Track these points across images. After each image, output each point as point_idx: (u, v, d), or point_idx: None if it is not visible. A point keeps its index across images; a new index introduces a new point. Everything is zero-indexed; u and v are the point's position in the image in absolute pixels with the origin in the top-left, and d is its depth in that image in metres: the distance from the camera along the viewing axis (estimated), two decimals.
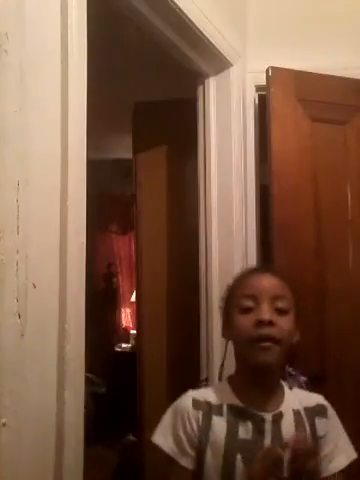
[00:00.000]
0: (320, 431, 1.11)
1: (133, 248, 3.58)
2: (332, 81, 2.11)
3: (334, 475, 1.11)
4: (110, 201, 5.20)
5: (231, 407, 1.10)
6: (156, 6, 1.57)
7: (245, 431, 1.07)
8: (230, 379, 1.17)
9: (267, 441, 1.06)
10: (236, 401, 1.10)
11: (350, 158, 2.14)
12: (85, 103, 1.19)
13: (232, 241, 2.04)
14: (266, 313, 1.05)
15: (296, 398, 1.15)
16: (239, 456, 1.05)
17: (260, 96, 2.18)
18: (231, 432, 1.07)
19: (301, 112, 2.06)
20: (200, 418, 1.09)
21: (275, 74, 2.03)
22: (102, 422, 3.80)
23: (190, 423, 1.09)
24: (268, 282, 1.11)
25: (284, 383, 1.18)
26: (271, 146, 2.01)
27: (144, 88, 2.71)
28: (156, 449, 1.09)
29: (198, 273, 2.13)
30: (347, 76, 2.11)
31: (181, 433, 1.08)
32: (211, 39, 1.83)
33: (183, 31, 1.73)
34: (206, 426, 1.08)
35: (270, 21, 2.22)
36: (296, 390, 1.19)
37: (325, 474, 1.09)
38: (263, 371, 1.10)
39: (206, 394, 1.13)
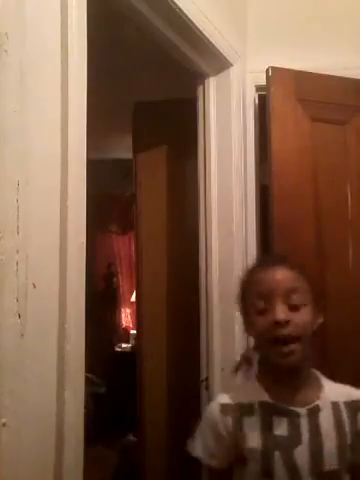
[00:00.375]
0: None
1: (133, 248, 3.58)
2: (332, 81, 2.11)
3: None
4: (110, 201, 5.20)
5: (262, 404, 1.08)
6: (156, 6, 1.57)
7: (280, 428, 1.06)
8: (259, 377, 1.15)
9: (305, 437, 1.05)
10: (267, 398, 1.09)
11: (350, 158, 2.14)
12: (85, 103, 1.19)
13: (232, 241, 2.04)
14: (281, 314, 1.04)
15: (336, 391, 1.13)
16: (277, 453, 1.04)
17: (260, 96, 2.18)
18: (266, 430, 1.06)
19: (301, 112, 2.06)
20: (230, 423, 1.08)
21: (275, 74, 2.03)
22: (102, 422, 3.80)
23: (219, 430, 1.09)
24: (279, 278, 1.08)
25: (322, 376, 1.16)
26: (271, 146, 2.01)
27: (144, 88, 2.71)
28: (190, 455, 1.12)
29: (198, 273, 2.13)
30: (347, 76, 2.11)
31: (211, 441, 1.10)
32: (211, 39, 1.82)
33: (183, 31, 1.73)
34: (237, 429, 1.08)
35: (270, 21, 2.22)
36: (336, 384, 1.16)
37: None
38: (289, 370, 1.09)
39: (236, 395, 1.12)
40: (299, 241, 2.02)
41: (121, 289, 5.42)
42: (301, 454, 1.04)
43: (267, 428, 1.06)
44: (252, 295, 1.10)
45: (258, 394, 1.10)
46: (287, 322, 1.04)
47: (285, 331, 1.04)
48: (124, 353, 4.88)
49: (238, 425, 1.08)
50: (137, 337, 2.77)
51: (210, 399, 2.04)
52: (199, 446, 1.12)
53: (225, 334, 2.02)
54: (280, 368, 1.09)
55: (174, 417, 2.51)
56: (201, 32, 1.76)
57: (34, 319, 1.01)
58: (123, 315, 5.42)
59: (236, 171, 2.07)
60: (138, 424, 2.65)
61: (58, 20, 1.13)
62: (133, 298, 4.59)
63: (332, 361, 2.01)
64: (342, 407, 1.09)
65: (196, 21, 1.71)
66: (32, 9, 1.03)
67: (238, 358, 1.28)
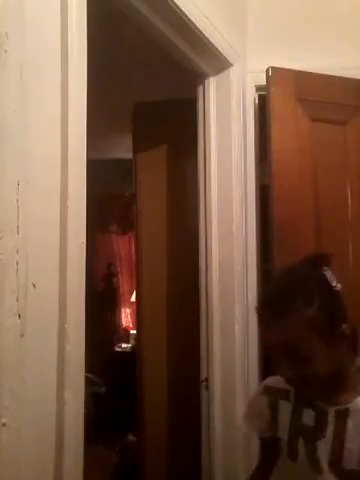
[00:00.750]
0: None
1: (133, 248, 3.58)
2: (332, 81, 2.11)
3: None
4: (110, 201, 5.20)
5: (297, 394, 1.16)
6: (156, 6, 1.57)
7: (308, 417, 1.13)
8: None
9: (329, 433, 1.09)
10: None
11: (350, 158, 2.14)
12: (85, 103, 1.19)
13: (232, 241, 2.04)
14: (287, 371, 1.06)
15: None
16: (301, 439, 1.13)
17: (260, 96, 2.18)
18: (295, 415, 1.15)
19: (301, 112, 2.06)
20: (270, 402, 1.21)
21: (275, 74, 2.03)
22: (102, 422, 3.80)
23: (262, 406, 1.22)
24: (276, 336, 1.03)
25: None
26: (271, 146, 2.01)
27: (144, 88, 2.71)
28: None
29: (198, 273, 2.13)
30: (347, 76, 2.11)
31: (256, 416, 1.26)
32: (211, 39, 1.82)
33: (183, 31, 1.73)
34: (275, 408, 1.20)
35: (270, 21, 2.22)
36: None
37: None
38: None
39: (280, 381, 1.15)
40: (299, 241, 2.01)
41: (121, 289, 5.42)
42: (323, 447, 1.09)
43: (297, 415, 1.15)
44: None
45: None
46: (297, 373, 1.05)
47: (296, 386, 1.13)
48: (124, 353, 4.88)
49: (276, 404, 1.20)
50: (137, 337, 2.77)
51: (210, 399, 2.05)
52: (248, 421, 1.32)
53: (225, 334, 2.02)
54: None
55: (174, 417, 2.51)
56: (201, 32, 1.76)
57: (34, 319, 1.01)
58: (123, 315, 5.42)
59: (236, 171, 2.07)
60: (138, 424, 2.65)
61: (58, 20, 1.13)
62: (133, 298, 4.59)
63: None
64: None
65: (196, 21, 1.70)
66: (32, 9, 1.03)
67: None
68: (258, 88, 2.17)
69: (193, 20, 1.69)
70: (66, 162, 1.12)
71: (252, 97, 2.19)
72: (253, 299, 2.13)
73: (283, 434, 1.16)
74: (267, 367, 1.42)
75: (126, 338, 5.19)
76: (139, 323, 2.69)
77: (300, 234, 2.02)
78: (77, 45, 1.15)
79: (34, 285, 1.01)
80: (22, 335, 0.98)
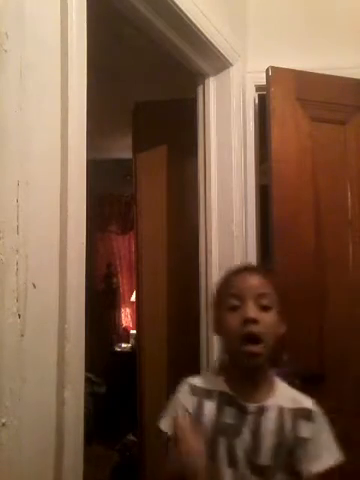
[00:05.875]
0: (303, 433, 1.15)
1: (133, 248, 3.58)
2: (332, 81, 2.11)
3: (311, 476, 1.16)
4: (110, 201, 5.21)
5: (221, 394, 1.19)
6: (156, 6, 1.57)
7: (229, 416, 1.17)
8: (223, 370, 1.25)
9: (245, 430, 1.15)
10: (226, 389, 1.19)
11: (350, 158, 2.14)
12: (85, 103, 1.19)
13: (232, 241, 2.04)
14: (251, 312, 1.13)
15: (286, 396, 1.21)
16: (222, 439, 1.15)
17: (260, 96, 2.18)
18: (218, 416, 1.18)
19: (301, 112, 2.06)
20: (195, 402, 1.20)
21: (275, 74, 2.03)
22: (102, 422, 3.80)
23: (187, 407, 1.19)
24: (252, 281, 1.19)
25: (278, 379, 1.24)
26: (271, 146, 2.01)
27: (144, 88, 2.71)
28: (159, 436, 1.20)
29: (198, 273, 2.13)
30: (347, 76, 2.11)
31: (178, 412, 1.18)
32: (211, 39, 1.82)
33: (183, 31, 1.73)
34: (199, 409, 1.19)
35: (270, 21, 2.23)
36: (290, 389, 1.24)
37: (307, 474, 1.14)
38: (250, 370, 1.18)
39: (203, 381, 1.23)
40: (299, 241, 2.02)
41: (121, 289, 5.42)
42: (240, 444, 1.14)
43: (219, 414, 1.18)
44: (226, 295, 1.19)
45: (219, 384, 1.21)
46: (256, 321, 1.13)
47: (254, 329, 1.13)
48: (124, 353, 4.88)
49: (200, 404, 1.19)
50: (137, 337, 2.77)
51: None
52: (167, 421, 1.21)
53: None
54: (243, 367, 1.18)
55: None
56: (201, 32, 1.76)
57: (34, 319, 1.01)
58: (123, 315, 5.42)
59: (236, 171, 2.07)
60: (138, 424, 2.66)
61: (58, 20, 1.13)
62: (133, 298, 4.60)
63: (331, 360, 2.02)
64: (286, 412, 1.17)
65: (196, 21, 1.71)
66: (32, 9, 1.04)
67: None
68: (258, 88, 2.17)
69: (193, 20, 1.69)
70: (66, 162, 1.12)
71: (252, 97, 2.19)
72: None
73: (203, 437, 1.14)
74: (229, 363, 1.41)
75: (126, 338, 5.19)
76: (139, 323, 2.69)
77: (300, 234, 2.02)
78: (77, 45, 1.15)
79: (34, 285, 1.02)
80: (22, 335, 0.98)
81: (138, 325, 2.72)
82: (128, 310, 5.39)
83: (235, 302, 1.16)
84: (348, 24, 2.19)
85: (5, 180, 0.96)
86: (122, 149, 3.65)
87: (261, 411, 1.16)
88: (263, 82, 2.05)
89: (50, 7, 1.11)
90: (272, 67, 2.03)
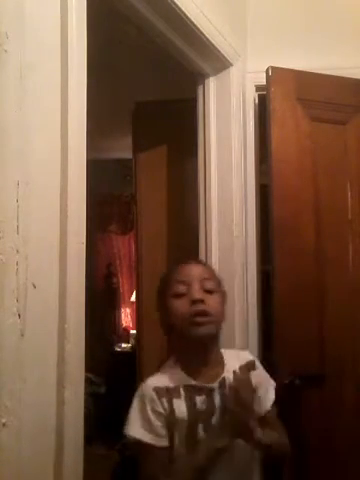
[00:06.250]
0: (254, 382, 1.23)
1: (133, 248, 3.58)
2: (332, 81, 2.11)
3: (269, 411, 1.31)
4: (110, 201, 5.20)
5: (186, 388, 1.25)
6: (156, 6, 1.57)
7: (201, 404, 1.24)
8: (177, 361, 1.30)
9: (216, 407, 1.23)
10: (189, 380, 1.26)
11: (350, 158, 2.14)
12: (85, 103, 1.19)
13: (232, 241, 2.04)
14: (197, 293, 1.23)
15: (232, 360, 1.31)
16: (201, 425, 1.23)
17: (260, 96, 2.18)
18: (191, 408, 1.24)
19: (301, 112, 2.06)
20: (165, 404, 1.23)
21: (275, 74, 2.03)
22: (102, 422, 3.80)
23: (158, 409, 1.23)
24: (196, 268, 1.32)
25: (222, 349, 1.34)
26: (271, 146, 2.01)
27: (144, 88, 2.71)
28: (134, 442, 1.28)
29: None
30: (347, 76, 2.11)
31: (152, 418, 1.23)
32: (211, 39, 1.82)
33: (183, 31, 1.73)
34: (171, 409, 1.23)
35: (270, 21, 2.22)
36: (229, 351, 1.36)
37: (264, 410, 1.29)
38: (203, 344, 1.26)
39: (163, 380, 1.27)
40: (299, 241, 2.02)
41: (121, 289, 5.42)
42: (215, 420, 1.23)
43: (192, 406, 1.24)
44: (172, 284, 1.29)
45: (181, 378, 1.27)
46: (202, 301, 1.23)
47: (201, 307, 1.22)
48: (124, 353, 4.87)
49: (171, 405, 1.24)
50: (137, 337, 2.77)
51: None
52: (140, 428, 1.26)
53: (225, 334, 2.02)
54: (195, 344, 1.25)
55: None
56: (201, 32, 1.76)
57: (34, 319, 1.01)
58: (123, 315, 5.42)
59: (236, 171, 2.07)
60: None
61: (58, 20, 1.13)
62: (133, 298, 4.59)
63: (331, 360, 2.02)
64: (238, 371, 1.24)
65: (196, 21, 1.71)
66: (32, 9, 1.03)
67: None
68: (258, 88, 2.17)
69: (193, 20, 1.69)
70: (66, 162, 1.12)
71: (252, 97, 2.19)
72: (253, 298, 2.14)
73: (181, 432, 1.22)
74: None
75: (126, 338, 5.19)
76: (139, 323, 2.69)
77: (300, 234, 2.02)
78: (77, 45, 1.15)
79: (34, 285, 1.02)
80: (22, 335, 0.98)
81: (138, 325, 2.72)
82: (128, 310, 5.39)
83: (182, 288, 1.25)
84: (348, 24, 2.19)
85: (5, 180, 0.96)
86: (122, 149, 3.64)
87: (223, 383, 1.26)
88: (263, 82, 2.05)
89: (50, 7, 1.11)
90: (272, 67, 2.03)
